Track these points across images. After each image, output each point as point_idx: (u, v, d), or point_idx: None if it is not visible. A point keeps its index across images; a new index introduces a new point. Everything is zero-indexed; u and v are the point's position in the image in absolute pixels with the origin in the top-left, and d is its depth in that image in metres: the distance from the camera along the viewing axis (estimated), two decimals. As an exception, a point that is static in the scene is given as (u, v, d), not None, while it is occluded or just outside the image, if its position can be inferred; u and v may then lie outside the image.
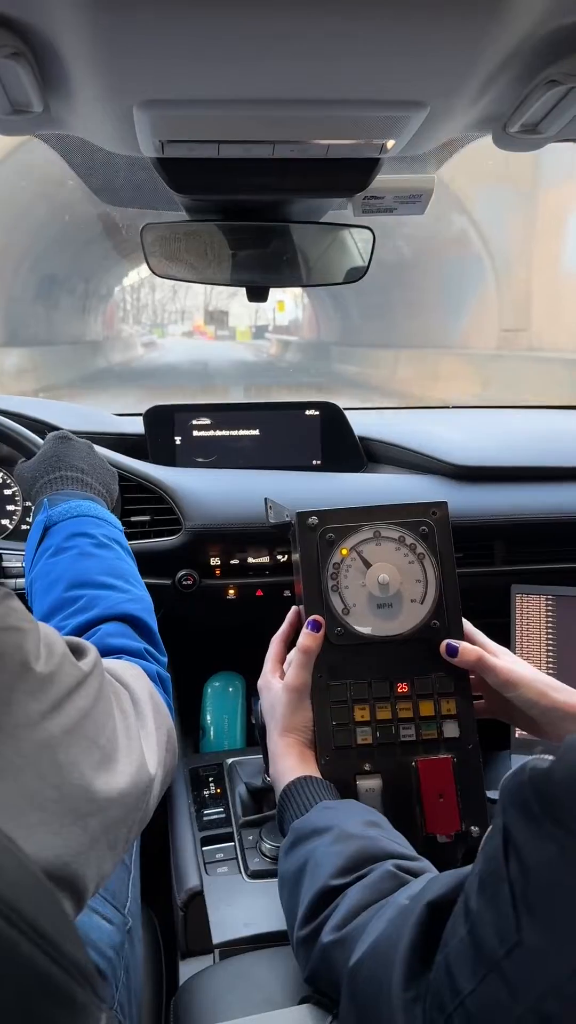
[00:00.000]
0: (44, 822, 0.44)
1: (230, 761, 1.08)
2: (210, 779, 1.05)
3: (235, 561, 1.21)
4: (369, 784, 0.75)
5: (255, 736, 0.87)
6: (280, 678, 0.79)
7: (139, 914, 0.90)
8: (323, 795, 0.70)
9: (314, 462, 1.41)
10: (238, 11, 0.46)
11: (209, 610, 1.25)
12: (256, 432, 1.40)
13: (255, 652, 0.86)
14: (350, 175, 0.74)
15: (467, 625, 0.80)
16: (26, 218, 9.98)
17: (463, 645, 0.77)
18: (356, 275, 1.00)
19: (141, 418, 1.38)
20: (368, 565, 0.79)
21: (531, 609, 1.13)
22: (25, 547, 0.84)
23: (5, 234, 9.77)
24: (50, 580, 0.74)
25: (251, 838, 0.92)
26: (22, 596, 0.77)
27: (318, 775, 0.73)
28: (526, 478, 1.30)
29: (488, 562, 1.24)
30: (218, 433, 1.39)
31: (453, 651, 0.76)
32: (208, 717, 1.28)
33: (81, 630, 0.69)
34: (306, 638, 0.77)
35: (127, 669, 0.64)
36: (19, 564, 1.10)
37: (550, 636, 1.12)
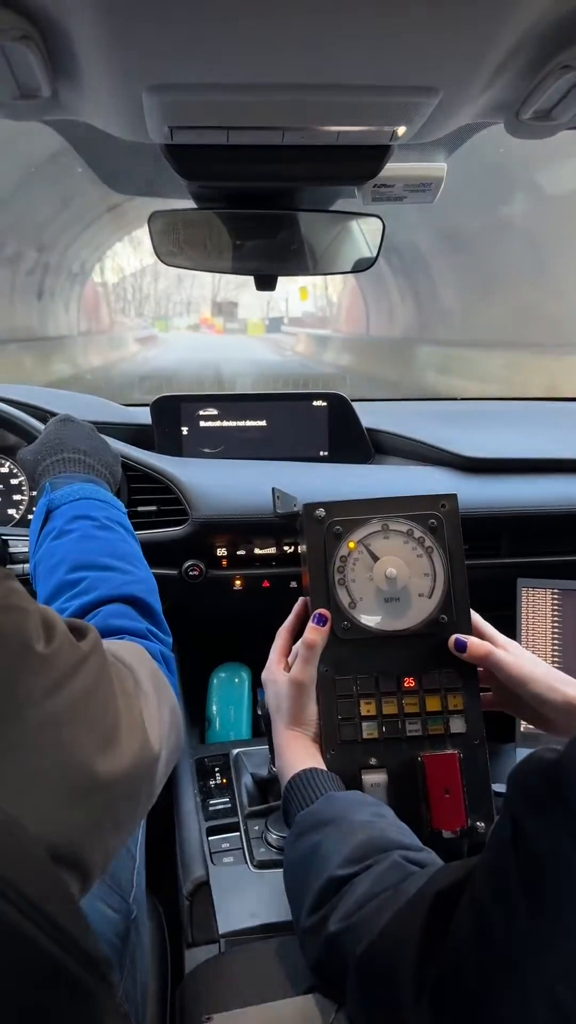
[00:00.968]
0: (48, 801, 0.44)
1: (236, 751, 1.08)
2: (216, 769, 1.06)
3: (241, 552, 1.21)
4: (375, 779, 0.75)
5: (261, 727, 0.87)
6: (285, 671, 0.79)
7: (144, 903, 0.90)
8: (329, 787, 0.70)
9: (321, 453, 1.41)
10: None
11: (215, 601, 1.25)
12: (263, 423, 1.39)
13: (261, 643, 0.86)
14: (360, 163, 0.73)
15: (475, 617, 0.79)
16: None
17: (472, 640, 0.76)
18: (364, 265, 1.01)
19: (148, 408, 1.38)
20: (376, 559, 0.78)
21: (537, 602, 1.13)
22: (29, 531, 0.84)
23: None
24: (53, 563, 0.75)
25: (257, 828, 0.92)
26: (28, 581, 0.78)
27: (324, 768, 0.73)
28: (535, 470, 1.30)
29: (495, 554, 1.24)
30: (225, 424, 1.39)
31: (462, 646, 0.76)
32: (214, 708, 1.29)
33: (83, 612, 0.69)
34: (312, 632, 0.77)
35: (129, 649, 0.64)
36: (26, 550, 1.10)
37: (556, 629, 1.12)
